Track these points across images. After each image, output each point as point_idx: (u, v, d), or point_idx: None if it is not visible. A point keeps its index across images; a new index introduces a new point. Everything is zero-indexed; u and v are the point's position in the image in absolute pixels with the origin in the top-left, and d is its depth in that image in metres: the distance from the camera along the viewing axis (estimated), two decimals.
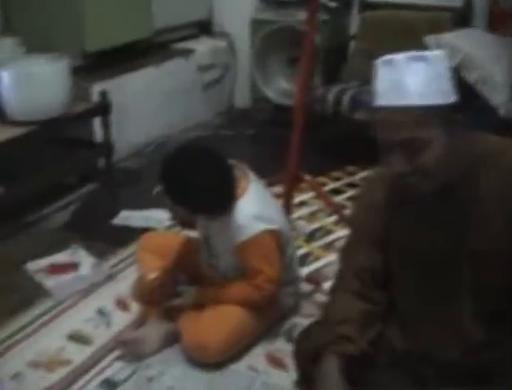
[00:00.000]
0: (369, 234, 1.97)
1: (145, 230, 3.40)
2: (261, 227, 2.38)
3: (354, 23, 4.76)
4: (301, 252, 3.08)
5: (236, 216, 2.40)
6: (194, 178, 2.32)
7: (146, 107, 4.58)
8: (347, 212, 3.30)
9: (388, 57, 1.68)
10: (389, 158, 1.72)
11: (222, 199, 2.39)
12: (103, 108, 3.84)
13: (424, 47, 3.87)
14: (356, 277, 1.99)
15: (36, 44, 3.88)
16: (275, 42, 4.84)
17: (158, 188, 2.44)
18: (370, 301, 1.97)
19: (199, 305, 2.54)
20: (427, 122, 1.64)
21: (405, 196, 1.86)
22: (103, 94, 3.84)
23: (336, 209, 3.19)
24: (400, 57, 1.66)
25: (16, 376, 2.47)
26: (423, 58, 1.65)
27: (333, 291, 2.11)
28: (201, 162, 2.36)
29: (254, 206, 2.42)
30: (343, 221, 3.15)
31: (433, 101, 1.63)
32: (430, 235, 1.84)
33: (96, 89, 4.00)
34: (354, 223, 2.09)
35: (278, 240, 2.48)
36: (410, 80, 1.64)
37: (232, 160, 2.45)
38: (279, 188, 3.18)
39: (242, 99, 5.30)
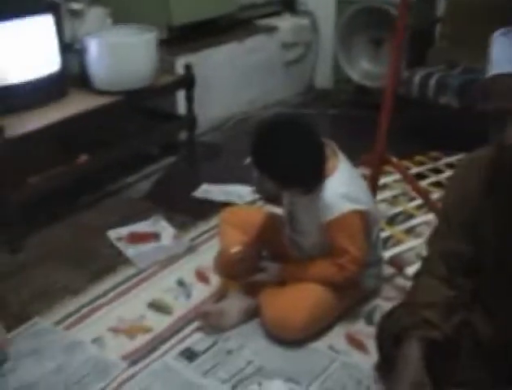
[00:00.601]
0: (460, 220, 1.93)
1: (225, 204, 3.42)
2: (349, 207, 2.35)
3: (442, 5, 4.65)
4: (382, 235, 3.04)
5: (324, 194, 2.37)
6: (286, 151, 2.29)
7: (228, 82, 4.58)
8: (433, 197, 3.25)
9: (503, 29, 1.66)
10: (503, 131, 1.67)
11: (312, 174, 2.37)
12: (187, 81, 3.85)
13: None
14: (443, 262, 1.96)
15: (123, 16, 3.89)
16: (360, 22, 4.77)
17: (247, 160, 2.42)
18: (456, 288, 1.94)
19: (281, 282, 2.54)
20: None
21: (501, 184, 1.81)
22: (188, 67, 3.84)
23: (422, 193, 3.13)
24: None
25: (97, 341, 2.52)
26: None
27: (419, 274, 2.09)
28: (293, 136, 2.33)
29: (343, 186, 2.39)
30: (429, 206, 3.10)
31: None
32: None
33: (180, 63, 4.02)
34: (445, 208, 2.05)
35: (365, 221, 2.45)
36: None
37: (323, 138, 2.43)
38: (362, 170, 3.14)
39: (323, 79, 5.24)
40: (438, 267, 1.97)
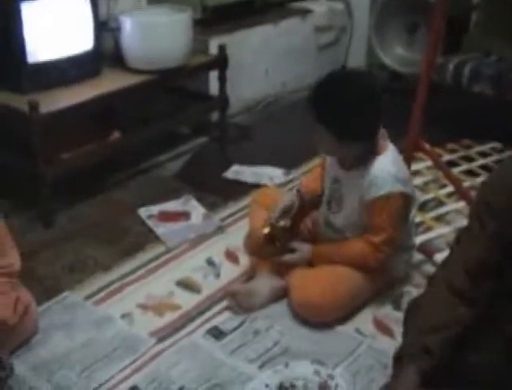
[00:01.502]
0: (490, 226, 1.81)
1: (255, 185, 3.43)
2: (397, 187, 2.37)
3: None
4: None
5: (374, 171, 2.38)
6: (344, 100, 2.29)
7: (261, 64, 4.57)
8: (464, 185, 3.24)
9: None
10: None
11: (369, 124, 2.37)
12: (220, 62, 3.85)
13: None
14: (465, 273, 1.86)
15: None
16: (395, 7, 4.73)
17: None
18: (468, 303, 1.86)
19: (310, 263, 2.55)
20: None
21: None
22: (221, 48, 3.84)
23: (454, 181, 3.12)
24: None
25: (126, 316, 2.56)
26: None
27: (434, 279, 2.02)
28: (352, 84, 2.34)
29: (394, 166, 2.40)
30: (460, 194, 3.09)
31: None
32: None
33: (214, 43, 4.01)
34: (480, 209, 1.88)
35: (408, 205, 2.47)
36: None
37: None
38: None
39: (356, 63, 5.20)
40: (458, 278, 1.87)
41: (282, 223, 2.59)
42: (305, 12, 4.87)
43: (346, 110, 2.29)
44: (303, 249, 2.56)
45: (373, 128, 2.39)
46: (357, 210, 2.47)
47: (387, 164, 2.39)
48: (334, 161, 2.55)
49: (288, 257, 2.56)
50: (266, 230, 2.58)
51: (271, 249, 2.59)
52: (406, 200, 2.44)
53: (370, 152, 2.41)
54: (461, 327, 1.86)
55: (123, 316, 2.55)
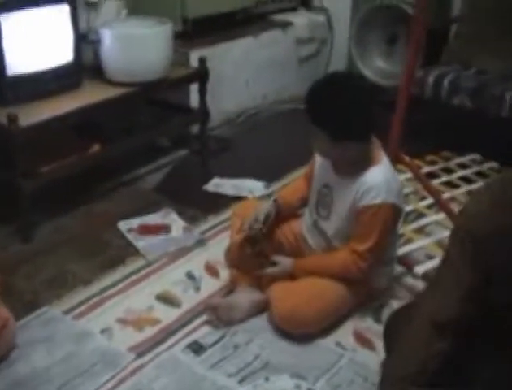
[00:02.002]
0: (470, 252, 1.73)
1: (236, 199, 3.43)
2: (390, 199, 2.38)
3: (458, 5, 4.63)
4: None
5: (368, 180, 2.39)
6: (338, 101, 2.31)
7: (241, 77, 4.58)
8: (444, 196, 3.25)
9: None
10: None
11: (363, 126, 2.38)
12: (201, 74, 3.85)
13: None
14: (445, 301, 1.79)
15: (138, 7, 3.90)
16: (375, 20, 4.76)
17: None
18: (451, 334, 1.79)
19: (291, 277, 2.55)
20: None
21: None
22: (202, 61, 3.83)
23: (433, 192, 3.13)
24: None
25: (105, 331, 2.54)
26: None
27: (415, 309, 1.92)
28: (346, 88, 2.36)
29: (389, 177, 2.42)
30: (440, 205, 3.10)
31: None
32: None
33: (194, 56, 4.01)
34: (458, 236, 1.79)
35: (397, 218, 2.50)
36: None
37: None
38: None
39: None
40: (440, 310, 1.79)
41: (257, 227, 2.59)
42: (285, 24, 4.89)
43: (340, 111, 2.30)
44: (284, 262, 2.56)
45: (367, 129, 2.40)
46: (346, 217, 2.47)
47: (382, 174, 2.40)
48: (326, 165, 2.54)
49: (269, 271, 2.56)
50: (241, 235, 2.59)
51: (247, 258, 2.60)
52: (396, 212, 2.45)
53: (365, 159, 2.42)
54: (441, 359, 1.83)
55: (103, 331, 2.53)
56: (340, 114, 2.30)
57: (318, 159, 2.60)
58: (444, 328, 1.79)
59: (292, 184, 2.91)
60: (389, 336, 2.18)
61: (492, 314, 1.79)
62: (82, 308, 2.65)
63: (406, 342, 1.87)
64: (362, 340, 2.49)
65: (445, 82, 3.97)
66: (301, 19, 5.02)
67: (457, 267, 1.77)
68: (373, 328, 2.53)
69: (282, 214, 2.71)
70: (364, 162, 2.42)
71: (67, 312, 2.62)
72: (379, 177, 2.38)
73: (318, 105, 2.35)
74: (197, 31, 4.27)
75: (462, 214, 1.84)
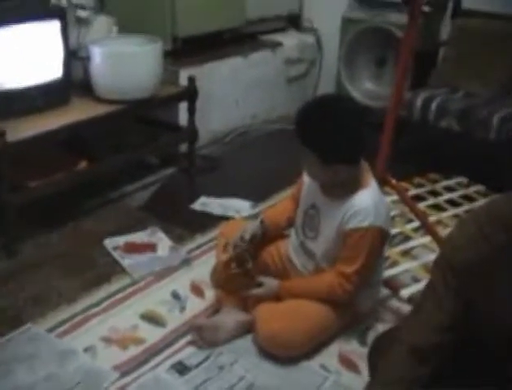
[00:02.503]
0: (453, 283, 1.75)
1: (223, 218, 3.43)
2: (378, 222, 2.38)
3: (446, 29, 4.67)
4: None
5: (357, 202, 2.38)
6: (329, 124, 2.29)
7: (230, 96, 4.59)
8: (430, 219, 3.26)
9: None
10: None
11: (354, 147, 2.36)
12: (190, 93, 3.86)
13: None
14: (426, 328, 1.80)
15: (129, 25, 3.90)
16: (364, 42, 4.79)
17: None
18: (431, 359, 1.81)
19: (277, 298, 2.54)
20: None
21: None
22: (191, 80, 3.85)
23: (420, 215, 3.13)
24: None
25: (89, 349, 2.52)
26: None
27: (398, 340, 1.89)
28: (337, 108, 2.34)
29: (377, 201, 2.42)
30: (426, 228, 3.11)
31: None
32: None
33: (184, 75, 4.02)
34: (441, 266, 1.80)
35: (384, 242, 2.50)
36: None
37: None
38: None
39: None
40: (420, 337, 1.80)
41: (242, 246, 2.58)
42: (275, 45, 4.92)
43: (330, 134, 2.29)
44: (270, 283, 2.55)
45: (357, 152, 2.39)
46: (333, 239, 2.46)
47: (371, 198, 2.40)
48: (314, 186, 2.54)
49: (254, 292, 2.55)
50: (226, 255, 2.59)
51: (233, 278, 2.59)
52: (384, 236, 2.46)
53: (354, 182, 2.42)
54: (423, 381, 1.83)
55: (87, 349, 2.51)
56: (330, 138, 2.30)
57: (306, 180, 2.59)
58: (426, 353, 1.80)
59: (278, 205, 2.90)
60: (374, 360, 2.17)
61: (474, 339, 1.81)
62: (66, 326, 2.63)
63: (388, 367, 1.87)
64: (347, 362, 2.49)
65: (433, 105, 3.99)
66: (290, 40, 5.06)
67: (440, 293, 1.78)
68: (358, 351, 2.52)
69: (268, 235, 2.72)
70: (353, 185, 2.42)
71: (50, 330, 2.60)
72: (368, 200, 2.38)
73: (308, 128, 2.34)
74: (186, 50, 4.29)
75: (447, 244, 1.85)
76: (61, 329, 2.61)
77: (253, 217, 3.36)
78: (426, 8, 4.50)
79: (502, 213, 1.67)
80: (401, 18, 4.04)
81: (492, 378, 1.82)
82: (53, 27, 3.29)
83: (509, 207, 1.67)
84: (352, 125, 2.33)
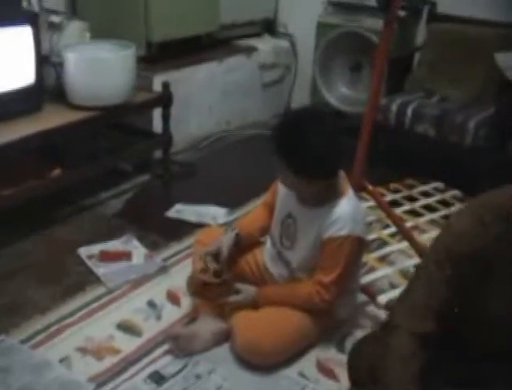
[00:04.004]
0: (456, 272, 1.80)
1: (198, 225, 3.42)
2: (357, 231, 2.40)
3: (421, 33, 4.71)
4: None
5: (336, 211, 2.39)
6: (306, 138, 2.28)
7: (205, 102, 4.59)
8: (407, 225, 3.27)
9: None
10: None
11: (329, 164, 2.36)
12: (165, 99, 3.86)
13: (492, 63, 3.84)
14: (424, 312, 1.84)
15: (102, 30, 3.89)
16: (339, 47, 4.80)
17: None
18: (431, 343, 1.85)
19: (254, 306, 2.54)
20: None
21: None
22: (165, 85, 3.85)
23: (396, 221, 3.15)
24: None
25: (64, 360, 2.50)
26: None
27: (393, 329, 1.91)
28: (315, 125, 2.33)
29: (355, 210, 2.43)
30: (403, 234, 3.12)
31: None
32: None
33: (158, 80, 4.01)
34: (439, 255, 1.85)
35: (362, 250, 2.53)
36: None
37: None
38: None
39: (301, 102, 5.24)
40: (419, 323, 1.83)
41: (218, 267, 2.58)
42: (250, 50, 4.93)
43: (307, 150, 2.28)
44: (248, 290, 2.56)
45: (333, 169, 2.40)
46: (310, 248, 2.47)
47: (349, 206, 2.41)
48: (290, 195, 2.54)
49: (232, 299, 2.55)
50: (202, 266, 2.59)
51: (214, 291, 2.58)
52: (362, 245, 2.48)
53: (331, 191, 2.42)
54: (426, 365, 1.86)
55: (62, 360, 2.50)
56: (306, 154, 2.28)
57: (281, 188, 2.59)
58: (426, 338, 1.83)
59: (251, 214, 2.89)
60: (354, 366, 2.19)
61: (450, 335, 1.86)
62: (40, 337, 2.61)
63: (391, 357, 1.87)
64: (325, 370, 2.49)
65: (409, 110, 4.02)
66: (265, 45, 5.07)
67: (434, 280, 1.82)
68: (336, 358, 2.53)
69: (244, 245, 2.72)
70: (330, 194, 2.43)
71: (24, 341, 2.58)
72: (346, 209, 2.39)
73: (284, 144, 2.33)
74: (161, 55, 4.29)
75: (446, 233, 1.89)
76: (35, 340, 2.59)
77: (229, 224, 3.37)
78: (401, 13, 4.57)
79: (502, 203, 1.74)
80: (376, 23, 4.06)
81: (463, 377, 1.86)
82: (24, 32, 3.27)
83: (508, 197, 1.74)
84: (329, 142, 2.31)
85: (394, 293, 2.79)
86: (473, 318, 1.83)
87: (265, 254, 2.70)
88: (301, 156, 2.29)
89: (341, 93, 4.92)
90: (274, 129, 2.39)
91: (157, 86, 4.00)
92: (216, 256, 2.60)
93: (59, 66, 3.47)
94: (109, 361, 2.50)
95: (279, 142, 2.35)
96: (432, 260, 1.86)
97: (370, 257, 3.10)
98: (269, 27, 5.32)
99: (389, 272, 3.02)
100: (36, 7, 3.50)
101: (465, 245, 1.76)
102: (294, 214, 2.53)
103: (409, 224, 3.37)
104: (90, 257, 3.14)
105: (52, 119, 3.35)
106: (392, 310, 2.02)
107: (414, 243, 3.02)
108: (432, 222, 3.49)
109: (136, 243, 3.26)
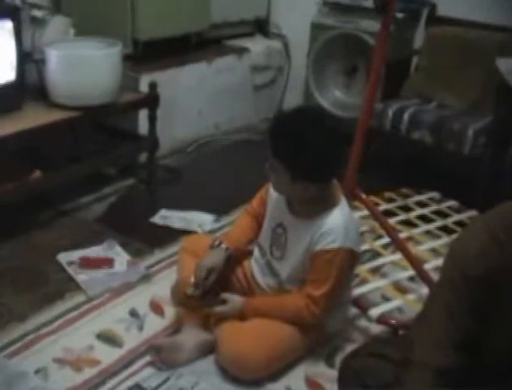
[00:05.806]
0: (468, 306, 1.78)
1: (184, 231, 3.42)
2: (348, 244, 2.40)
3: (420, 37, 4.72)
4: None
5: (328, 222, 2.40)
6: (306, 137, 2.28)
7: (193, 104, 4.59)
8: (401, 236, 3.28)
9: None
10: None
11: (328, 166, 2.37)
12: (151, 100, 3.86)
13: (493, 69, 3.86)
14: (441, 349, 1.81)
15: (87, 27, 3.87)
16: (333, 49, 4.81)
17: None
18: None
19: (241, 316, 2.54)
20: None
21: None
22: (152, 86, 3.85)
23: (390, 231, 3.15)
24: None
25: (40, 371, 2.49)
26: None
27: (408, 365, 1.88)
28: (317, 124, 2.33)
29: (348, 222, 2.43)
30: (396, 245, 3.13)
31: None
32: None
33: (145, 80, 4.02)
34: (454, 280, 1.81)
35: (354, 263, 2.53)
36: None
37: None
38: None
39: (293, 105, 5.25)
40: (447, 356, 1.80)
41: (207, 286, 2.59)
42: (241, 50, 4.94)
43: (306, 150, 2.27)
44: (234, 300, 2.55)
45: (330, 172, 2.41)
46: (301, 259, 2.47)
47: (341, 218, 2.41)
48: (281, 204, 2.55)
49: (218, 309, 2.55)
50: (191, 290, 2.58)
51: (199, 301, 2.58)
52: (353, 258, 2.48)
53: (323, 200, 2.43)
54: None
55: (38, 371, 2.49)
56: (304, 155, 2.28)
57: (273, 196, 2.59)
58: (450, 372, 1.80)
59: (238, 226, 2.82)
60: (344, 382, 2.18)
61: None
62: (16, 346, 2.60)
63: None
64: (314, 385, 2.50)
65: (405, 116, 4.03)
66: (257, 46, 5.08)
67: (452, 307, 1.80)
68: (326, 373, 2.54)
69: (233, 258, 2.72)
70: (322, 203, 2.43)
71: None
72: (338, 221, 2.40)
73: (281, 140, 2.33)
74: (148, 54, 4.29)
75: (458, 253, 1.85)
76: (10, 349, 2.58)
77: (216, 231, 3.38)
78: (399, 15, 4.59)
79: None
80: (373, 25, 4.09)
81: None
82: (5, 26, 3.26)
83: None
84: (329, 144, 2.31)
85: (386, 306, 2.81)
86: (491, 340, 1.82)
87: (253, 263, 2.71)
88: (301, 156, 2.29)
89: (335, 97, 4.93)
90: (273, 122, 2.40)
91: (143, 87, 4.00)
92: (208, 272, 2.59)
93: (41, 63, 3.46)
94: (88, 372, 2.50)
95: (276, 137, 2.35)
96: (450, 288, 1.82)
97: (362, 269, 3.10)
98: (261, 27, 5.34)
99: (382, 284, 3.02)
100: (17, 1, 3.49)
101: (482, 269, 1.73)
102: (285, 225, 2.54)
103: (403, 235, 3.38)
104: (70, 263, 3.14)
105: (32, 118, 3.34)
106: (412, 345, 2.00)
107: (408, 254, 3.02)
108: (427, 233, 3.49)
109: (118, 249, 3.26)
